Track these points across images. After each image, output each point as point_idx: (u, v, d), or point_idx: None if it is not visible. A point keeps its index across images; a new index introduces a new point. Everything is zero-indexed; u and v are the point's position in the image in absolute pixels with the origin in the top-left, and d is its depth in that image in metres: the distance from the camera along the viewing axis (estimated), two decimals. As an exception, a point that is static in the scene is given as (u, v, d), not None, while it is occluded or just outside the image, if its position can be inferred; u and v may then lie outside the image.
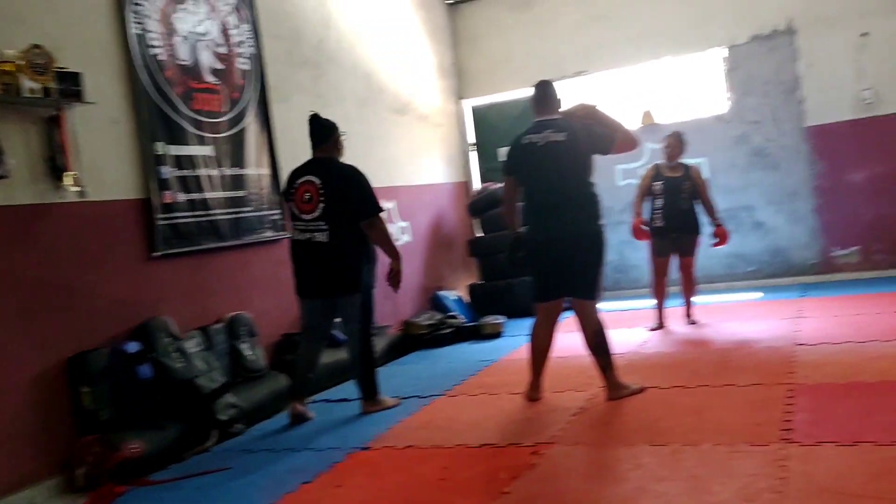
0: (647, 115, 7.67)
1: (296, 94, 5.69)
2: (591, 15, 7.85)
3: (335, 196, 4.11)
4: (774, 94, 7.33)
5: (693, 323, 5.71)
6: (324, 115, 4.40)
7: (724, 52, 7.48)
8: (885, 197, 7.02)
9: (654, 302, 5.85)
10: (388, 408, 4.39)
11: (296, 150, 5.43)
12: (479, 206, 7.64)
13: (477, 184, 8.42)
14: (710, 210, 5.68)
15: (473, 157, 8.57)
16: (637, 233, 5.71)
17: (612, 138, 3.88)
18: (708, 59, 7.63)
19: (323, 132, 4.29)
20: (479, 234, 7.81)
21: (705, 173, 7.34)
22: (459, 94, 8.52)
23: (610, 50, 7.77)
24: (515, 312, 6.82)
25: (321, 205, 4.13)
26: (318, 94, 5.98)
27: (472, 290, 7.47)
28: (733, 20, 7.37)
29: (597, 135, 3.86)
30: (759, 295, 6.91)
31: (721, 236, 5.66)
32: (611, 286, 7.49)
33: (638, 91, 7.81)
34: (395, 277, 4.29)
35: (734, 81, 7.48)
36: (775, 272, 7.46)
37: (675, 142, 5.79)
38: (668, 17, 7.59)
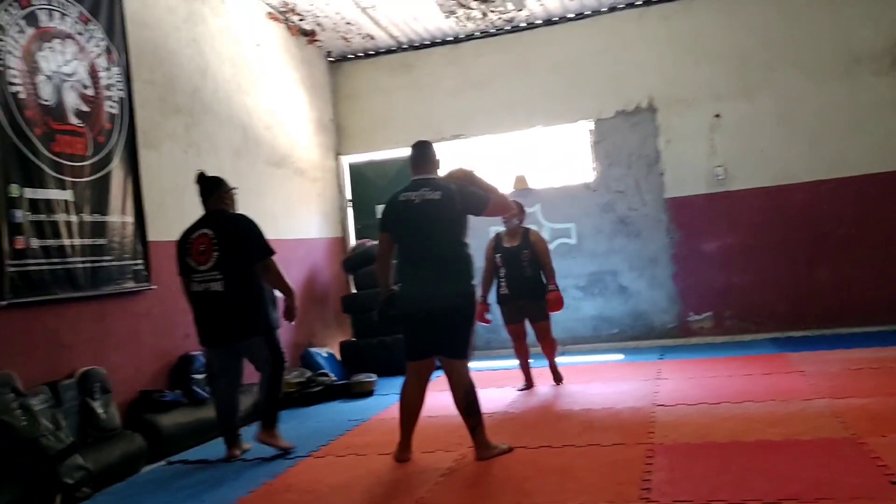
0: (520, 179, 7.91)
1: (167, 142, 5.59)
2: (468, 82, 8.05)
3: (228, 244, 4.27)
4: (637, 166, 7.70)
5: (559, 382, 5.74)
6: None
7: (591, 124, 7.83)
8: (735, 266, 7.42)
9: (518, 363, 5.92)
10: (281, 448, 4.44)
11: (164, 197, 5.33)
12: (354, 263, 7.63)
13: (353, 240, 8.44)
14: (548, 275, 5.66)
15: (350, 213, 8.56)
16: (480, 318, 5.44)
17: (486, 200, 3.94)
18: (577, 130, 7.95)
19: (209, 187, 4.50)
20: (354, 290, 7.80)
21: (572, 238, 7.88)
22: (338, 151, 8.55)
23: (486, 116, 7.98)
24: (388, 370, 6.80)
25: (215, 254, 4.29)
26: (191, 142, 5.89)
27: (345, 347, 7.37)
28: (601, 95, 7.72)
29: (472, 195, 3.92)
30: (621, 356, 7.11)
31: (553, 302, 5.62)
32: (482, 345, 7.53)
33: (512, 156, 8.05)
34: (290, 312, 4.52)
35: (600, 152, 7.82)
36: (637, 334, 7.72)
37: (515, 221, 5.74)
38: (540, 88, 7.88)
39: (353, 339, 7.47)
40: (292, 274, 6.59)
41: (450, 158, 7.66)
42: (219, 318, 4.34)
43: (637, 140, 7.72)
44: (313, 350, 6.95)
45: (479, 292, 5.10)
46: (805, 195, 7.22)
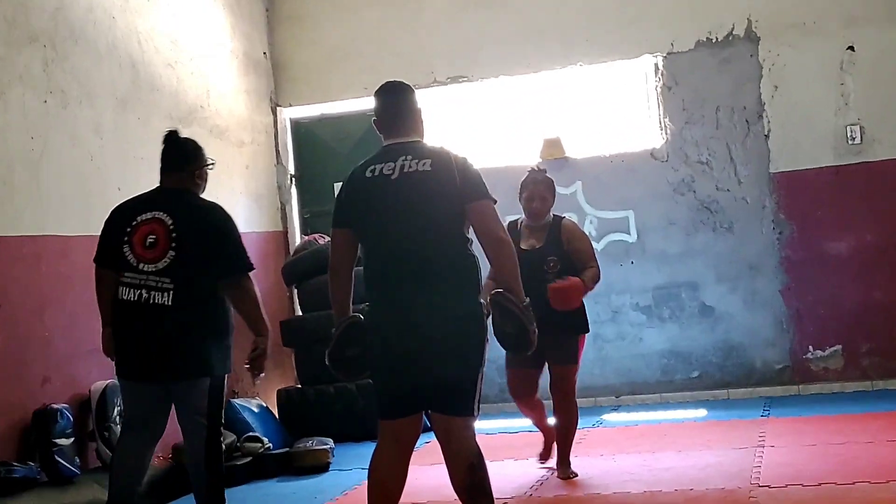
0: (551, 144, 7.89)
1: (16, 86, 5.59)
2: (473, -2, 8.07)
3: (192, 243, 4.44)
4: (729, 126, 7.69)
5: (569, 477, 5.51)
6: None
7: (659, 61, 7.83)
8: (878, 277, 7.45)
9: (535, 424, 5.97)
10: None
11: (10, 170, 5.35)
12: (300, 270, 7.69)
13: (298, 236, 8.47)
14: (588, 278, 5.48)
15: (294, 194, 8.58)
16: None
17: (486, 195, 3.97)
18: (637, 71, 7.96)
19: (182, 155, 4.72)
20: (299, 312, 7.88)
21: (630, 234, 7.96)
22: (276, 101, 8.55)
23: (500, 48, 7.98)
24: (351, 433, 6.89)
25: (170, 253, 4.45)
26: (53, 86, 5.89)
27: (285, 397, 7.45)
28: (674, 18, 7.76)
29: (475, 177, 3.97)
30: (704, 412, 7.19)
31: (565, 290, 5.33)
32: (494, 396, 7.49)
33: (539, 110, 8.07)
34: (259, 360, 4.72)
35: (673, 105, 7.80)
36: (728, 380, 7.71)
37: (543, 190, 5.58)
38: (582, 6, 7.93)
39: (298, 385, 7.53)
40: None
41: (444, 114, 8.01)
42: (155, 341, 4.48)
43: (729, 86, 7.69)
44: (238, 402, 6.97)
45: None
46: None
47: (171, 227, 4.50)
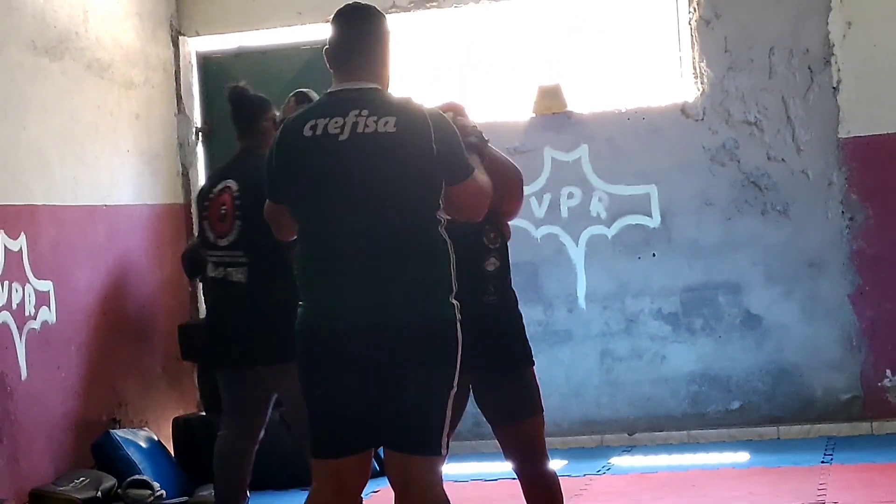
0: (548, 94, 6.82)
1: None
2: None
3: (257, 210, 3.84)
4: (786, 74, 6.61)
5: None
6: None
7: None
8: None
9: None
10: None
11: None
12: (204, 259, 6.64)
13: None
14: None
15: (200, 154, 7.53)
16: None
17: (468, 168, 3.49)
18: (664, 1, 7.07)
19: (244, 115, 4.81)
20: (204, 315, 6.69)
21: (653, 217, 6.91)
22: (178, 28, 7.44)
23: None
24: (273, 478, 6.08)
25: (237, 223, 4.46)
26: None
27: (184, 428, 6.63)
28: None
29: (456, 145, 3.44)
30: (746, 457, 6.27)
31: None
32: (466, 431, 6.31)
33: (533, 49, 7.15)
34: None
35: (711, 44, 6.76)
36: (780, 413, 6.69)
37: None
38: None
39: (203, 411, 6.72)
40: (76, 278, 6.54)
41: (410, 52, 7.24)
42: (237, 322, 4.55)
43: (787, 21, 6.60)
44: (119, 434, 6.33)
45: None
46: None
47: (237, 194, 4.55)
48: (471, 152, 3.65)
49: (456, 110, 3.86)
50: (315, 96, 4.73)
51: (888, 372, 6.51)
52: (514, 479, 5.32)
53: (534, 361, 4.17)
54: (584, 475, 5.84)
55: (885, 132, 6.46)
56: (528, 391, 4.12)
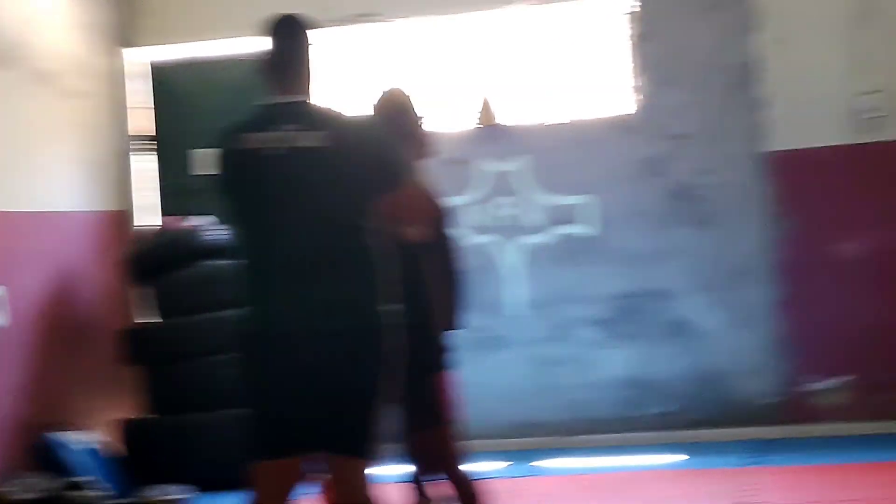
0: (484, 109, 6.74)
1: None
2: None
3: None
4: (716, 89, 6.58)
5: None
6: None
7: (634, 2, 6.77)
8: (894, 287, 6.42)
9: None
10: None
11: None
12: (152, 264, 6.57)
13: (152, 217, 7.40)
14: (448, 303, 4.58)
15: (146, 163, 7.33)
16: None
17: (397, 178, 3.43)
18: (601, 16, 6.92)
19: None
20: (150, 318, 6.74)
21: (590, 226, 6.79)
22: (123, 39, 7.20)
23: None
24: (218, 479, 5.81)
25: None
26: None
27: (128, 431, 6.41)
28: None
29: (387, 153, 3.44)
30: (676, 459, 6.24)
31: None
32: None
33: (472, 63, 6.99)
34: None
35: (647, 60, 6.70)
36: (707, 417, 6.57)
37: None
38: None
39: (148, 415, 6.47)
40: (19, 283, 6.31)
41: (349, 63, 7.12)
42: None
43: (716, 38, 6.55)
44: (61, 436, 6.17)
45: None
46: None
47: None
48: (410, 145, 3.69)
49: (404, 101, 3.88)
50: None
51: (810, 377, 6.42)
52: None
53: (449, 365, 4.13)
54: (516, 476, 5.76)
55: (809, 146, 6.40)
56: (438, 394, 4.13)
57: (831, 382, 6.42)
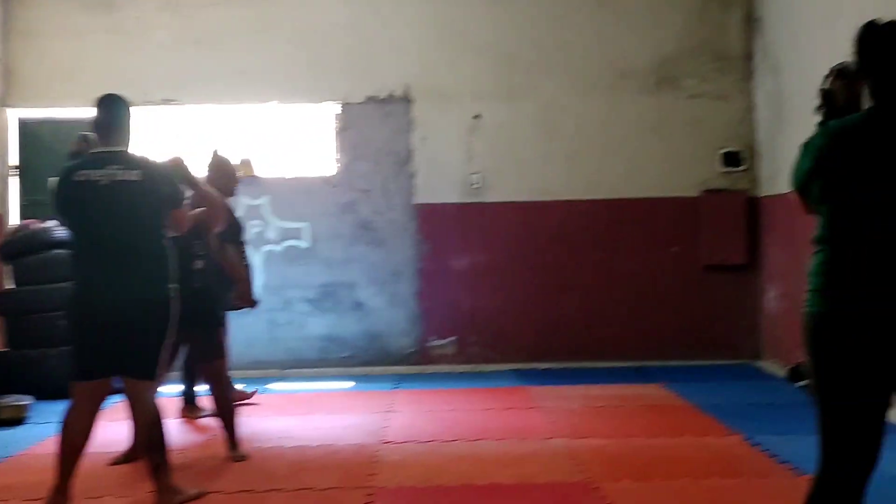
0: (245, 164, 7.80)
1: None
2: (190, 36, 7.91)
3: None
4: (386, 164, 7.98)
5: (241, 459, 4.84)
6: None
7: (338, 108, 8.01)
8: (484, 287, 7.88)
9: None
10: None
11: None
12: (14, 249, 7.32)
13: (15, 218, 8.04)
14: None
15: (14, 183, 8.15)
16: None
17: (179, 200, 4.02)
18: (320, 114, 8.10)
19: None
20: (13, 285, 7.39)
21: (305, 241, 7.97)
22: (3, 101, 8.03)
23: (209, 81, 7.88)
24: (48, 392, 6.47)
25: None
26: None
27: None
28: (350, 76, 7.92)
29: (173, 185, 3.99)
30: (352, 384, 7.34)
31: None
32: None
33: (238, 135, 7.99)
34: None
35: (345, 143, 8.00)
36: (371, 359, 7.92)
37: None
38: (280, 57, 7.92)
39: (6, 349, 7.15)
40: None
41: (157, 130, 7.85)
42: None
43: (388, 133, 7.98)
44: None
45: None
46: (560, 214, 7.89)
47: None
48: (186, 187, 4.25)
49: (176, 162, 4.39)
50: (93, 137, 4.31)
51: (433, 338, 7.93)
52: (208, 394, 5.38)
53: (223, 325, 5.05)
54: (254, 391, 6.44)
55: (439, 202, 7.88)
56: (215, 343, 4.88)
57: (444, 341, 7.91)
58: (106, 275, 3.77)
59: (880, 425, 2.44)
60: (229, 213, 5.48)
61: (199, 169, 4.90)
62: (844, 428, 2.44)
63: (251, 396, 6.17)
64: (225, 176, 5.64)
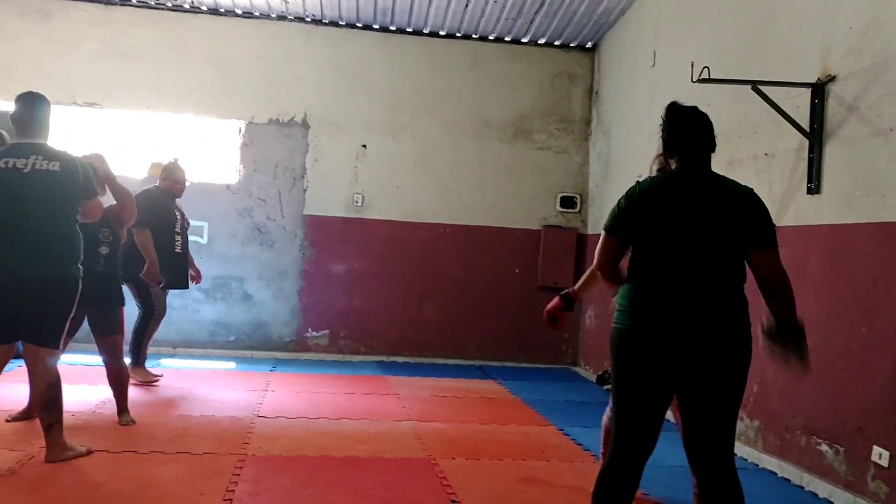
0: (155, 166, 7.39)
1: None
2: (116, 49, 7.66)
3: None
4: (283, 178, 7.88)
5: (129, 423, 4.61)
6: None
7: (243, 126, 7.84)
8: (357, 290, 7.92)
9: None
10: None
11: None
12: None
13: None
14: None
15: None
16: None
17: (93, 193, 3.83)
18: (227, 129, 7.88)
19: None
20: None
21: (203, 238, 7.72)
22: None
23: (130, 90, 7.63)
24: None
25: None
26: None
27: None
28: (257, 99, 7.79)
29: (90, 177, 3.82)
30: (233, 365, 7.16)
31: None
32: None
33: (152, 140, 7.70)
34: None
35: (247, 156, 7.85)
36: (254, 345, 7.81)
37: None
38: (195, 76, 7.73)
39: None
40: None
41: (78, 129, 7.44)
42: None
43: (286, 152, 7.89)
44: None
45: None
46: (427, 234, 8.00)
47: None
48: (100, 182, 4.08)
49: (98, 158, 4.22)
50: (6, 135, 4.19)
51: (310, 329, 7.73)
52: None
53: (123, 304, 4.65)
54: (156, 366, 6.35)
55: (326, 214, 7.81)
56: (114, 320, 4.59)
57: (318, 333, 7.86)
58: (20, 252, 3.60)
59: (659, 422, 2.56)
60: (164, 207, 5.77)
61: (115, 166, 4.63)
62: (632, 422, 2.54)
63: (159, 379, 5.98)
64: (171, 179, 5.95)
